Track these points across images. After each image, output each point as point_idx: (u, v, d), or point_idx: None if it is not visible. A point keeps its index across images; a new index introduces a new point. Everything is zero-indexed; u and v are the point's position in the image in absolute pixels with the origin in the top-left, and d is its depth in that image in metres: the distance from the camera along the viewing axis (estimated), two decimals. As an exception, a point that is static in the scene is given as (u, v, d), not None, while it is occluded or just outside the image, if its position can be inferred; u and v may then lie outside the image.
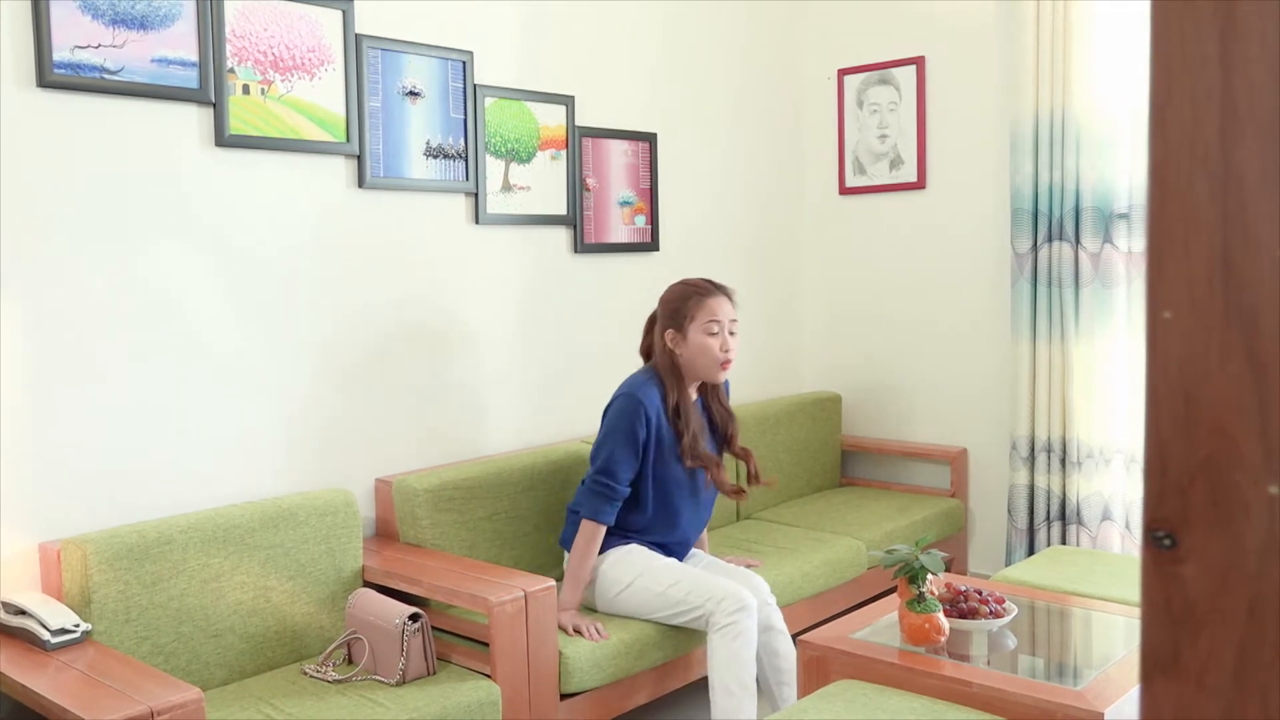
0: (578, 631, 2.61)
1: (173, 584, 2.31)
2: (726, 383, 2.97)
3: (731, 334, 2.78)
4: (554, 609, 2.51)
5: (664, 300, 2.84)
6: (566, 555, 2.81)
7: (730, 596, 2.59)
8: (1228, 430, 0.63)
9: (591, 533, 2.72)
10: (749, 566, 3.11)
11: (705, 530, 3.10)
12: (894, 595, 2.48)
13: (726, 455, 2.93)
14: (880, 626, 2.44)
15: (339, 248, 2.81)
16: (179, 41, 2.45)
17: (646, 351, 2.91)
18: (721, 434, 2.90)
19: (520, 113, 3.24)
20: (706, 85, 3.92)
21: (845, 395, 4.32)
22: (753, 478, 2.88)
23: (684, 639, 2.73)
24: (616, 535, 2.78)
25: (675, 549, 2.86)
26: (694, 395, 2.83)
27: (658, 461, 2.76)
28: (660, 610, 2.67)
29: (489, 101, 3.14)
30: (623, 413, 2.73)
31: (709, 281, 2.83)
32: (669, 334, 2.78)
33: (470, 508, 2.86)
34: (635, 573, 2.71)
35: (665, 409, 2.76)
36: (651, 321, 2.90)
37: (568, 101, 3.37)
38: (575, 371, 3.44)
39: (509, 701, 2.40)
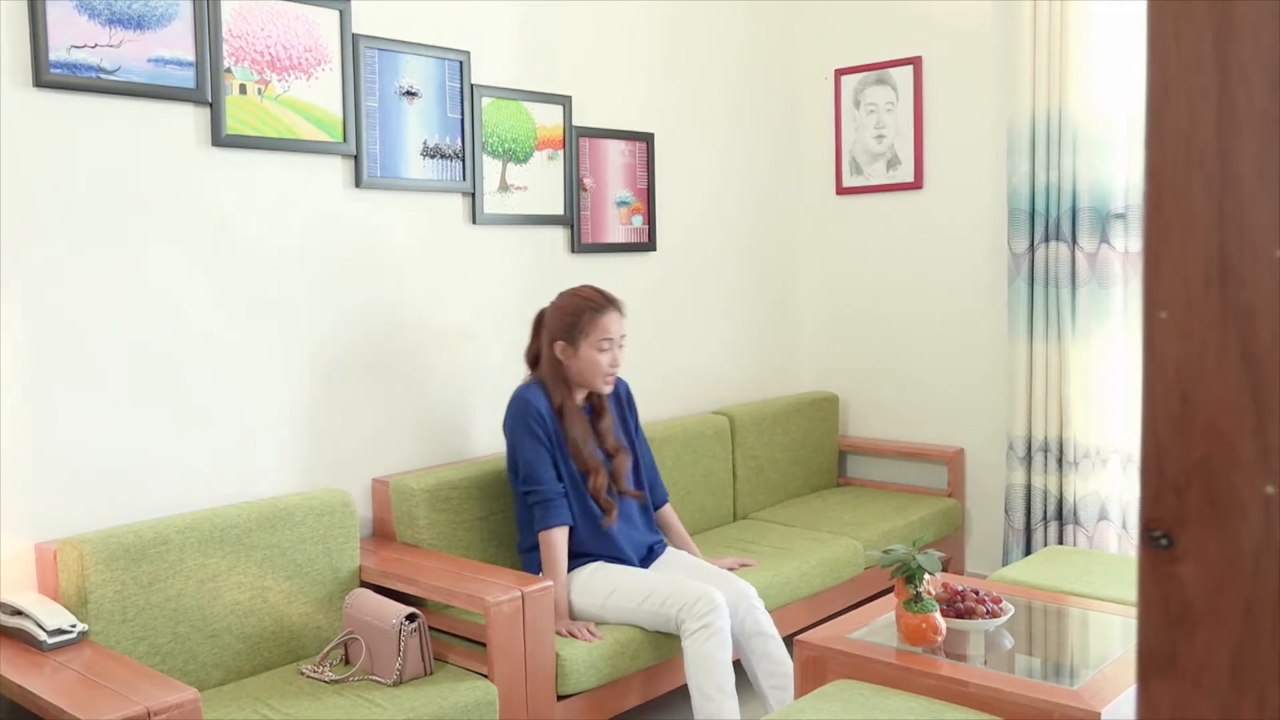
0: (572, 634, 2.60)
1: (169, 584, 2.30)
2: (631, 398, 3.01)
3: (620, 348, 2.82)
4: (550, 609, 2.51)
5: (557, 310, 2.83)
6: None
7: (701, 599, 2.58)
8: (1224, 430, 0.63)
9: (548, 541, 2.69)
10: (743, 565, 3.11)
11: (683, 529, 3.11)
12: (891, 595, 2.48)
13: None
14: (877, 626, 2.44)
15: (336, 248, 2.81)
16: (175, 41, 2.44)
17: (534, 358, 2.89)
18: (599, 437, 2.88)
19: (517, 112, 3.24)
20: (704, 85, 3.92)
21: (842, 395, 4.32)
22: (614, 478, 2.86)
23: (677, 640, 2.72)
24: (570, 558, 2.75)
25: (631, 560, 2.84)
26: (580, 401, 2.85)
27: (562, 462, 2.77)
28: (638, 623, 2.67)
29: (486, 101, 3.14)
30: (517, 415, 2.76)
31: (600, 293, 2.83)
32: (559, 345, 2.79)
33: (467, 508, 2.86)
34: (606, 592, 2.69)
35: (553, 411, 2.78)
36: (537, 325, 2.90)
37: (565, 101, 3.37)
38: (572, 371, 3.44)
39: (506, 701, 2.39)
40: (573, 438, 2.76)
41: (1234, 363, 0.62)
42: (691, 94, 3.87)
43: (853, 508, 3.81)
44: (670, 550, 2.97)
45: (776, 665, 2.70)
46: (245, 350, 2.63)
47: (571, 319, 2.78)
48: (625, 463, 2.89)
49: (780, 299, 4.32)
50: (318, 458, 2.78)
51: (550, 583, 2.54)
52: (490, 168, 3.16)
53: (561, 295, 2.85)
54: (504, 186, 3.20)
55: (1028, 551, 3.71)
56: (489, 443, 3.20)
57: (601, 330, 2.77)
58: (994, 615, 2.36)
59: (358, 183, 2.83)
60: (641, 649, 2.66)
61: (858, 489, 4.14)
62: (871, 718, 2.02)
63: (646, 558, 2.91)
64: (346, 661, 2.46)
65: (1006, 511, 3.76)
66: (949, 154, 3.98)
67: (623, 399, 3.00)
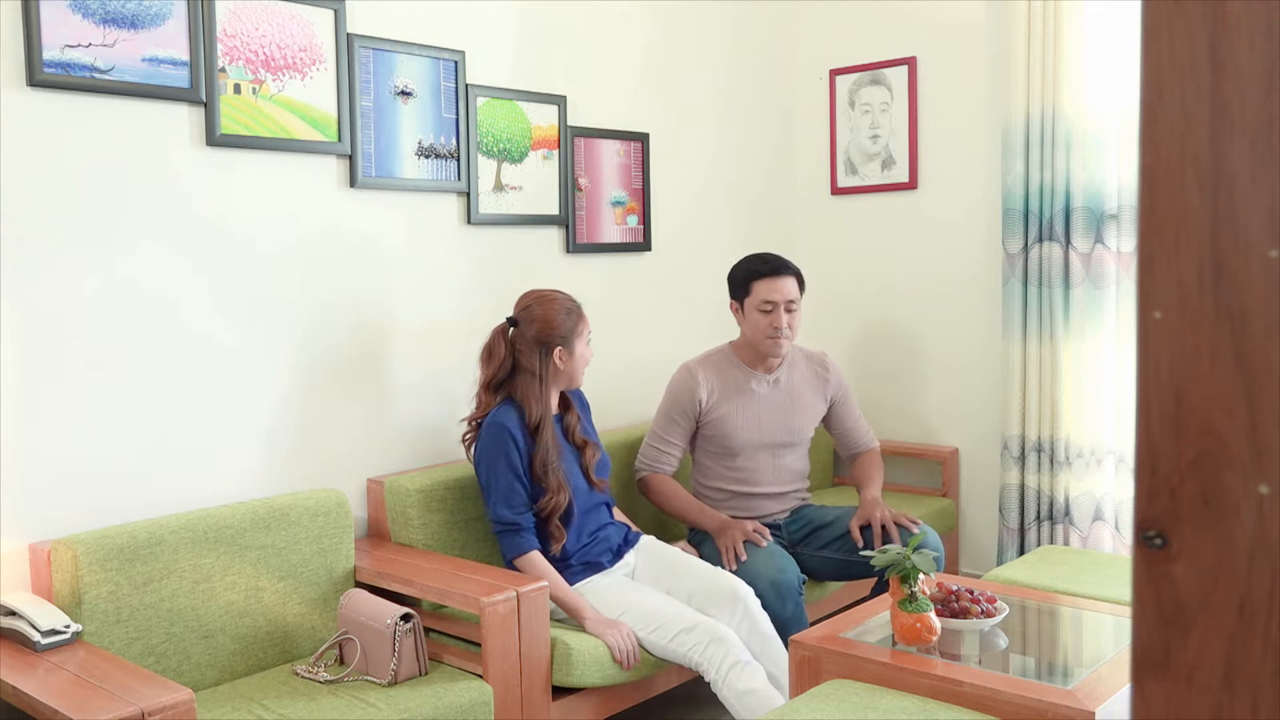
0: (620, 645, 2.57)
1: (163, 585, 2.30)
2: (586, 403, 3.01)
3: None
4: (545, 609, 2.51)
5: (544, 322, 2.74)
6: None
7: (712, 641, 2.55)
8: (1217, 430, 0.63)
9: (529, 566, 2.66)
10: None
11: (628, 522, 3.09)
12: (886, 595, 2.49)
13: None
14: (872, 626, 2.44)
15: (330, 248, 2.80)
16: (170, 41, 2.44)
17: (498, 384, 2.79)
18: (567, 433, 2.87)
19: (512, 112, 3.23)
20: (698, 85, 3.92)
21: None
22: (585, 472, 2.84)
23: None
24: (561, 570, 2.73)
25: (606, 555, 2.83)
26: (554, 409, 2.83)
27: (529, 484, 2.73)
28: (646, 648, 2.64)
29: (481, 101, 3.14)
30: (493, 441, 2.69)
31: (560, 293, 2.82)
32: (559, 352, 2.76)
33: (462, 508, 2.86)
34: (615, 614, 2.66)
35: (525, 429, 2.72)
36: (497, 350, 2.79)
37: (560, 101, 3.37)
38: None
39: (501, 701, 2.39)
40: (541, 459, 2.70)
41: (1227, 363, 0.63)
42: (686, 94, 3.87)
43: (847, 508, 3.80)
44: (647, 542, 2.94)
45: (773, 666, 2.69)
46: (240, 350, 2.62)
47: (563, 327, 2.75)
48: (594, 456, 2.89)
49: (775, 299, 4.31)
50: (312, 458, 2.78)
51: (545, 582, 2.53)
52: (485, 168, 3.16)
53: (532, 310, 2.77)
54: (499, 186, 3.20)
55: (1022, 551, 3.71)
56: (484, 443, 3.20)
57: (587, 323, 2.84)
58: (988, 615, 2.36)
59: (352, 183, 2.82)
60: (642, 650, 2.65)
61: (853, 489, 4.13)
62: (866, 717, 2.02)
63: (623, 546, 2.89)
64: (341, 662, 2.46)
65: (1001, 511, 3.76)
66: (943, 154, 3.99)
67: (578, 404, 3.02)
